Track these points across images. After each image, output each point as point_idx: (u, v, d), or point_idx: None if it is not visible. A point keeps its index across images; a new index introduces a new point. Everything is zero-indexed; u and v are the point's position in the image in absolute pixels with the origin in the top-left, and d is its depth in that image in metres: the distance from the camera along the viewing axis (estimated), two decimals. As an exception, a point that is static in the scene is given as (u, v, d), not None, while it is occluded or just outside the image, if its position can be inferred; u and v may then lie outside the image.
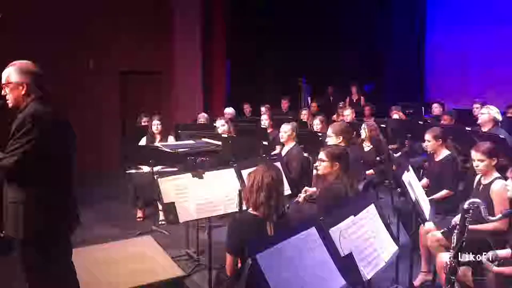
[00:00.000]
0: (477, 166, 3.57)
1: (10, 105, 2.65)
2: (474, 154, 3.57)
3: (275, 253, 2.07)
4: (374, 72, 10.98)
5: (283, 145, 5.30)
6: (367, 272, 2.44)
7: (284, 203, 3.31)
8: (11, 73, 2.63)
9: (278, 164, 4.29)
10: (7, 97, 2.65)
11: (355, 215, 2.59)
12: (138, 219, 5.62)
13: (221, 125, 5.86)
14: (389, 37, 11.15)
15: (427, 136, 4.42)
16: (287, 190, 4.23)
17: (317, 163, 3.76)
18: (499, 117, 5.46)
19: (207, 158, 5.26)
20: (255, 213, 2.73)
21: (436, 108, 7.87)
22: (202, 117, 7.28)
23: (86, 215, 5.05)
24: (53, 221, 2.60)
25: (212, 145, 4.96)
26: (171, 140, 5.90)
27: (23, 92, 2.61)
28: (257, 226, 2.68)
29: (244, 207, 3.31)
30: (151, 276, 3.85)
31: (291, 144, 5.11)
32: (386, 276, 3.65)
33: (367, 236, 2.60)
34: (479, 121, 5.53)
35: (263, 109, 7.96)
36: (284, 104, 9.20)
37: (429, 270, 3.84)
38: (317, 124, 6.41)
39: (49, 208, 2.57)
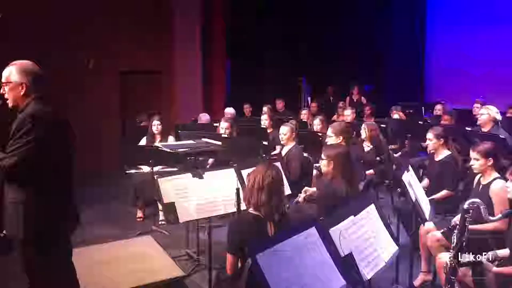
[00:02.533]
0: (472, 165, 3.62)
1: (10, 104, 2.65)
2: (471, 153, 3.62)
3: (275, 253, 2.07)
4: (374, 72, 10.98)
5: (283, 145, 5.30)
6: (367, 272, 2.45)
7: (285, 202, 3.31)
8: (11, 72, 2.62)
9: (278, 164, 4.30)
10: (7, 96, 2.65)
11: (355, 215, 2.60)
12: (138, 219, 5.62)
13: (225, 128, 5.83)
14: (389, 37, 11.14)
15: (429, 135, 4.42)
16: (287, 190, 4.23)
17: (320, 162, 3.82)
18: (499, 117, 5.46)
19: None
20: (255, 213, 2.72)
21: (439, 111, 7.84)
22: (204, 117, 7.28)
23: (86, 215, 5.05)
24: (53, 221, 2.60)
25: (212, 145, 4.96)
26: (171, 140, 5.89)
27: (22, 92, 2.60)
28: (258, 226, 2.68)
29: (243, 207, 3.30)
30: (151, 276, 3.84)
31: (291, 144, 5.10)
32: (386, 276, 3.65)
33: (367, 236, 2.60)
34: (478, 122, 5.52)
35: (264, 109, 7.95)
36: (279, 104, 9.20)
37: (429, 270, 3.84)
38: (317, 124, 6.41)
39: (49, 208, 2.57)
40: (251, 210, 2.77)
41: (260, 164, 2.92)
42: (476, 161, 3.56)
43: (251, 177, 2.78)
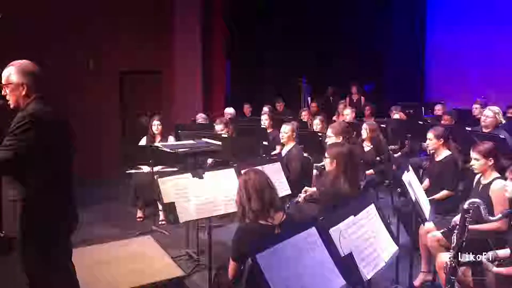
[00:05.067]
0: (472, 165, 3.63)
1: (11, 105, 2.65)
2: (471, 153, 3.63)
3: (275, 253, 2.07)
4: (374, 72, 10.98)
5: (283, 145, 5.30)
6: (367, 272, 2.44)
7: (281, 199, 3.29)
8: (11, 73, 2.62)
9: (278, 164, 4.31)
10: (7, 97, 2.65)
11: (355, 215, 2.59)
12: (138, 219, 5.62)
13: (220, 130, 5.84)
14: (389, 37, 11.14)
15: (429, 135, 4.42)
16: (287, 190, 4.24)
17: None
18: (503, 120, 5.47)
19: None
20: (262, 222, 2.67)
21: (439, 111, 7.84)
22: (200, 117, 7.29)
23: (86, 216, 5.06)
24: (53, 220, 2.60)
25: (212, 145, 4.97)
26: (171, 140, 5.90)
27: (23, 93, 2.60)
28: (264, 234, 2.64)
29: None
30: (151, 276, 3.86)
31: (291, 144, 5.11)
32: (386, 276, 3.65)
33: (367, 236, 2.60)
34: (483, 123, 5.45)
35: (265, 108, 7.95)
36: (279, 107, 9.20)
37: (429, 270, 3.84)
38: (317, 124, 6.41)
39: (49, 207, 2.57)
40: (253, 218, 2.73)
41: (239, 177, 2.88)
42: (476, 161, 3.57)
43: (237, 196, 2.76)
